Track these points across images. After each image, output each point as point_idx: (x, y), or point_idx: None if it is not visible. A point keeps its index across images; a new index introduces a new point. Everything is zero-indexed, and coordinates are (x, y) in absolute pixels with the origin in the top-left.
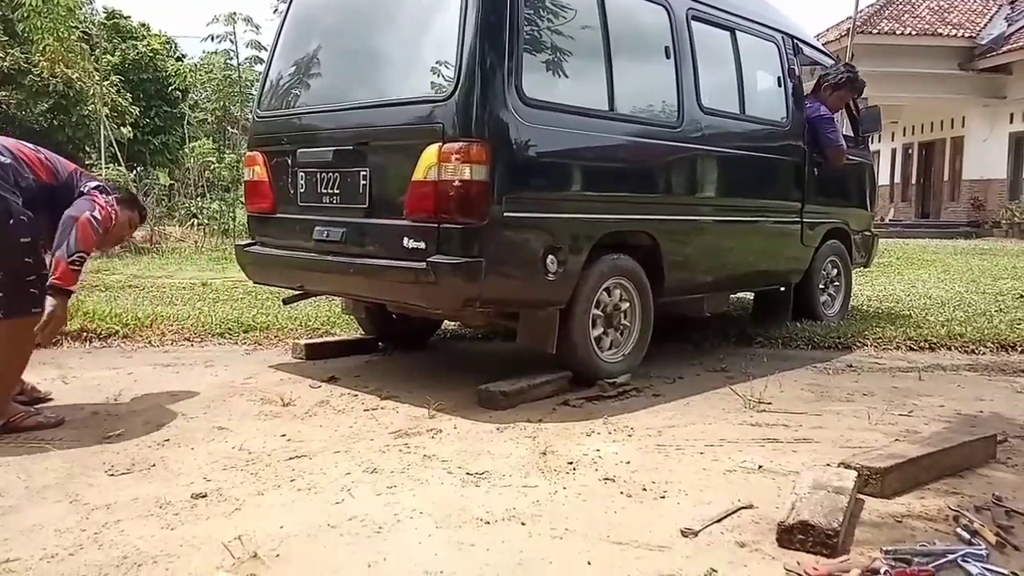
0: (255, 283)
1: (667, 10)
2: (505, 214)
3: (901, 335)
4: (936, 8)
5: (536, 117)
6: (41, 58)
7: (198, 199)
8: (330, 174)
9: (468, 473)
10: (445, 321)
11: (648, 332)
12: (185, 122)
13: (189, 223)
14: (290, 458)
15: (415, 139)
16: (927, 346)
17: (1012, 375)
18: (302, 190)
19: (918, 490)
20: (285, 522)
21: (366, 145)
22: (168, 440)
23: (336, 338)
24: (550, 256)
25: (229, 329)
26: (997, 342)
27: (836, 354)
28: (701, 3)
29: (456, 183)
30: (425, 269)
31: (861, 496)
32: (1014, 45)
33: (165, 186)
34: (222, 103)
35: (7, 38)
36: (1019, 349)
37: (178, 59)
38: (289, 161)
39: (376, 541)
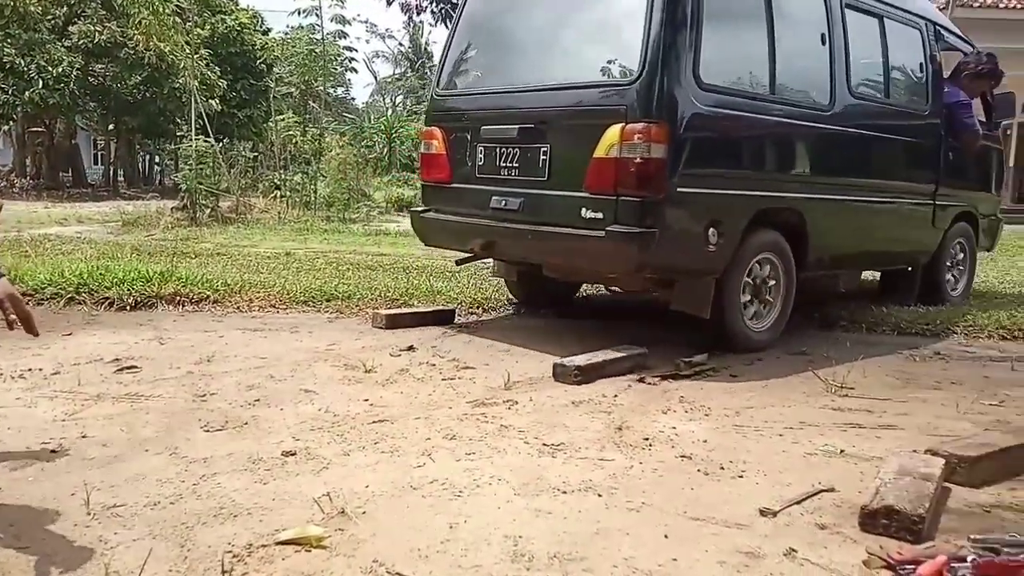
0: (428, 246)
1: None
2: (677, 190)
3: (993, 324)
4: None
5: (708, 100)
6: (136, 31)
7: (281, 171)
8: (511, 149)
9: (544, 444)
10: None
11: (789, 305)
12: (270, 96)
13: (272, 195)
14: (373, 422)
15: (597, 119)
16: (1021, 335)
17: None
18: (480, 163)
19: (1009, 481)
20: (370, 481)
21: (548, 123)
22: (258, 400)
23: (415, 309)
24: (711, 229)
25: (313, 297)
26: None
27: (923, 341)
28: None
29: (637, 160)
30: (604, 237)
31: (948, 484)
32: None
33: (250, 158)
34: (306, 77)
35: (104, 12)
36: None
37: (264, 33)
38: (468, 136)
39: (457, 504)
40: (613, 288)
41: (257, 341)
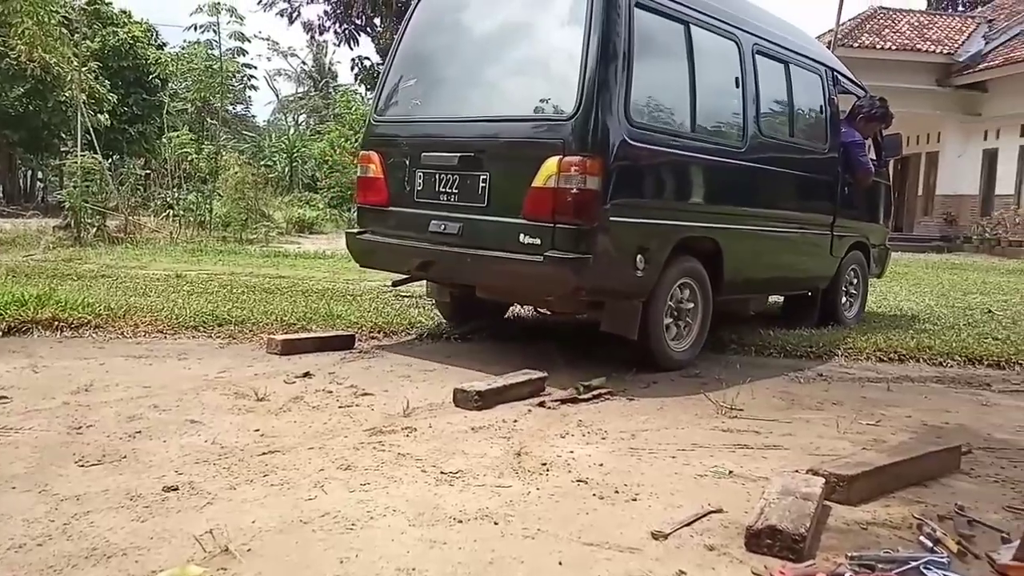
0: (362, 267)
1: (737, 45)
2: (609, 219)
3: (871, 346)
4: (916, 24)
5: (638, 136)
6: (19, 41)
7: (174, 190)
8: (450, 175)
9: (442, 472)
10: (432, 318)
11: (706, 328)
12: (164, 111)
13: (164, 214)
14: (263, 453)
15: (536, 151)
16: (896, 357)
17: (978, 388)
18: (419, 188)
19: (884, 498)
20: (257, 516)
21: (488, 153)
22: (139, 432)
23: (313, 334)
24: (639, 255)
25: (203, 322)
26: (965, 355)
27: (807, 363)
28: (763, 39)
29: (573, 190)
30: (542, 261)
31: (828, 503)
32: (990, 63)
33: (141, 176)
34: (202, 94)
35: None
36: (986, 363)
37: (159, 47)
38: (407, 161)
39: (348, 538)
40: (542, 310)
41: (141, 369)
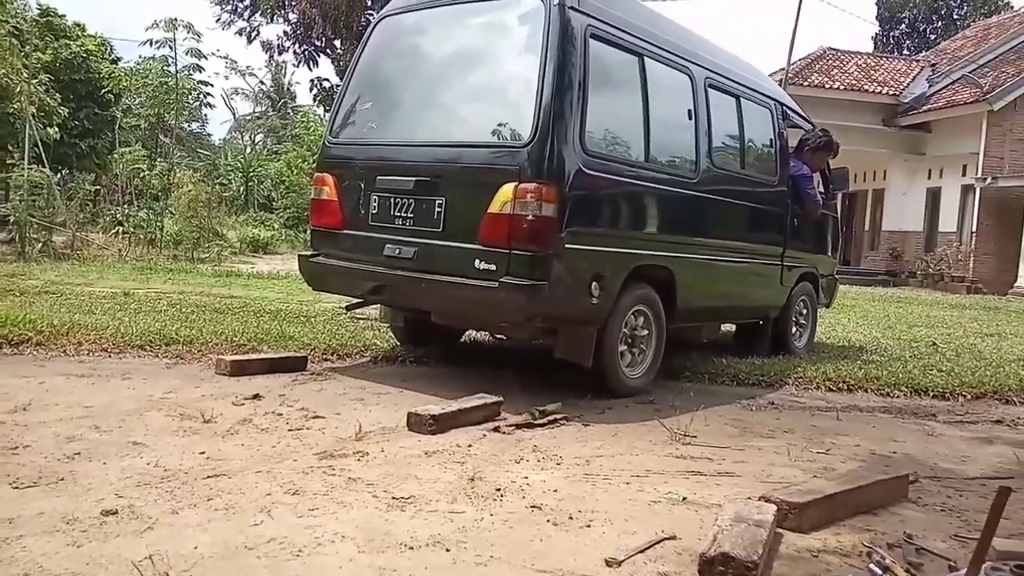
0: (315, 290)
1: (690, 78)
2: (565, 246)
3: (821, 376)
4: (863, 66)
5: (593, 165)
6: None
7: (125, 206)
8: (406, 200)
9: (394, 497)
10: (394, 340)
11: (660, 355)
12: (116, 127)
13: (114, 231)
14: (208, 476)
15: (492, 177)
16: (845, 387)
17: (924, 418)
18: (375, 211)
19: (834, 526)
20: (200, 542)
21: (444, 178)
22: (79, 453)
23: (263, 355)
24: (594, 282)
25: (150, 341)
26: (911, 386)
27: (759, 391)
28: (716, 73)
29: (529, 217)
30: (497, 288)
31: (780, 530)
32: (934, 105)
33: (90, 191)
34: (157, 110)
35: None
36: (931, 394)
37: (113, 62)
38: (362, 185)
39: (295, 564)
40: (498, 335)
41: (83, 388)
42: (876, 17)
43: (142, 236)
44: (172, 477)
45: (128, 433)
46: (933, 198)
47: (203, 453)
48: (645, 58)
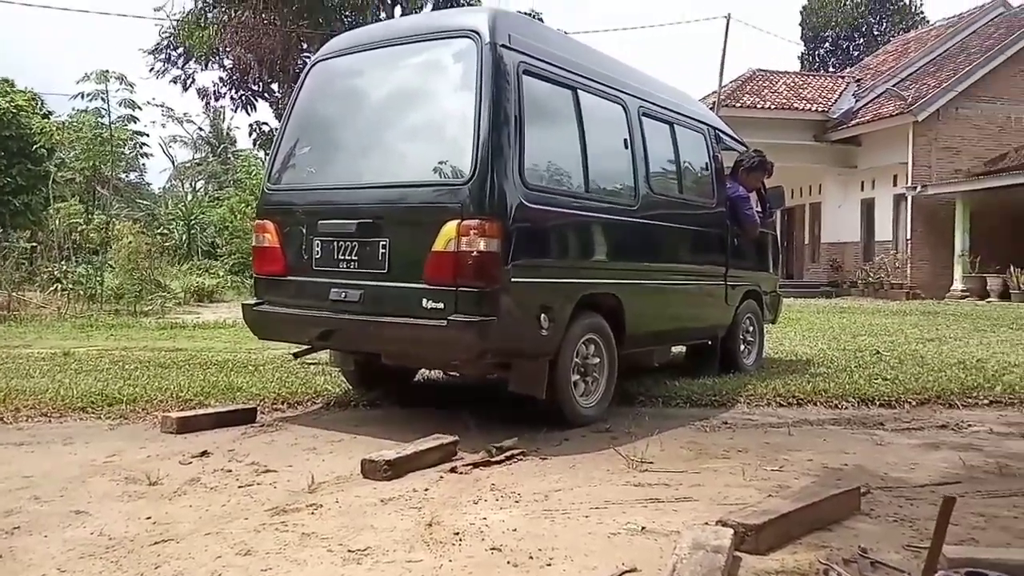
0: (261, 339)
1: (624, 108)
2: (511, 280)
3: (771, 392)
4: (792, 85)
5: (533, 198)
6: None
7: (63, 262)
8: (349, 243)
9: (349, 550)
10: (344, 384)
11: (613, 382)
12: (50, 181)
13: (52, 288)
14: (155, 543)
15: (435, 216)
16: (795, 402)
17: (872, 428)
18: (318, 256)
19: (791, 545)
20: None
21: (386, 219)
22: (18, 528)
23: (210, 410)
24: (543, 314)
25: (92, 402)
26: (858, 396)
27: (712, 411)
28: (649, 102)
29: (474, 253)
30: (446, 326)
31: (738, 553)
32: (861, 119)
33: (26, 249)
34: (92, 162)
35: None
36: (878, 403)
37: (45, 116)
38: (304, 230)
39: None
40: (451, 373)
41: (21, 457)
42: (800, 37)
43: (82, 292)
44: (117, 546)
45: (70, 502)
46: (868, 209)
47: (149, 518)
48: (579, 91)
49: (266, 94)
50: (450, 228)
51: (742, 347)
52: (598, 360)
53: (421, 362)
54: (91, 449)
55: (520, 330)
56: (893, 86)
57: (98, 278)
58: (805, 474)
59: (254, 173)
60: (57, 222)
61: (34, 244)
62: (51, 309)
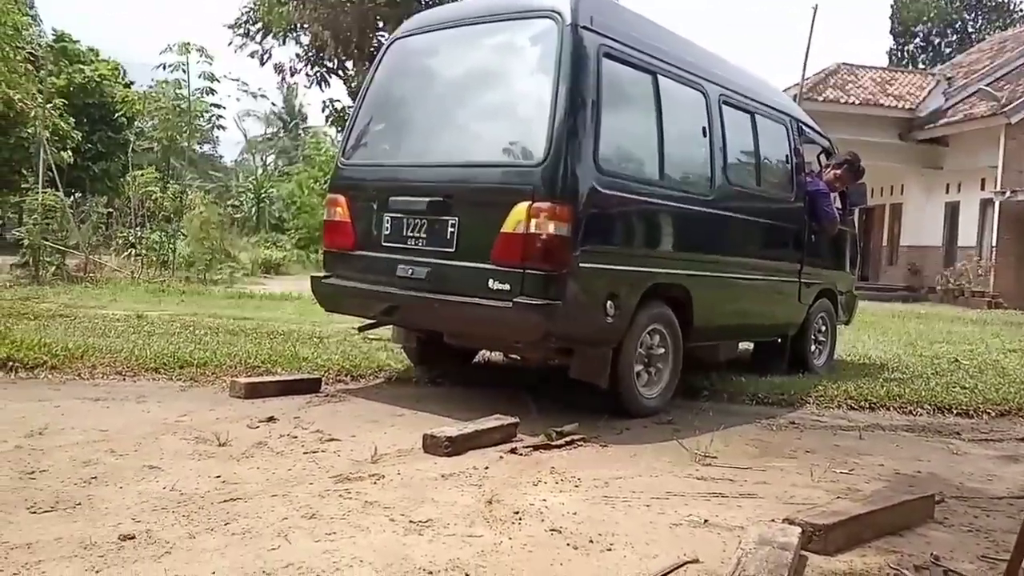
0: (327, 312)
1: (704, 96)
2: (579, 265)
3: (842, 394)
4: (879, 80)
5: (607, 183)
6: None
7: (137, 229)
8: (419, 220)
9: (411, 521)
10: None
11: (677, 374)
12: (129, 150)
13: (126, 253)
14: (224, 500)
15: (506, 197)
16: (867, 406)
17: (948, 437)
18: (387, 232)
19: (859, 548)
20: (217, 567)
21: (457, 198)
22: (95, 478)
23: (277, 377)
24: (609, 302)
25: (164, 364)
26: (933, 404)
27: (779, 410)
28: (730, 90)
29: (543, 236)
30: (511, 308)
31: (805, 552)
32: (950, 119)
33: (103, 214)
34: (169, 133)
35: None
36: (954, 412)
37: (126, 86)
38: (375, 206)
39: None
40: (512, 356)
41: (98, 412)
42: (890, 31)
43: (155, 258)
44: (188, 501)
45: (144, 457)
46: (952, 212)
47: (219, 477)
48: (658, 76)
49: (340, 71)
50: (520, 210)
51: (813, 347)
52: (663, 351)
53: (484, 343)
54: (163, 408)
55: (585, 316)
56: (986, 86)
57: (171, 245)
58: (876, 479)
59: (324, 150)
60: (134, 189)
61: (111, 209)
62: (125, 273)
